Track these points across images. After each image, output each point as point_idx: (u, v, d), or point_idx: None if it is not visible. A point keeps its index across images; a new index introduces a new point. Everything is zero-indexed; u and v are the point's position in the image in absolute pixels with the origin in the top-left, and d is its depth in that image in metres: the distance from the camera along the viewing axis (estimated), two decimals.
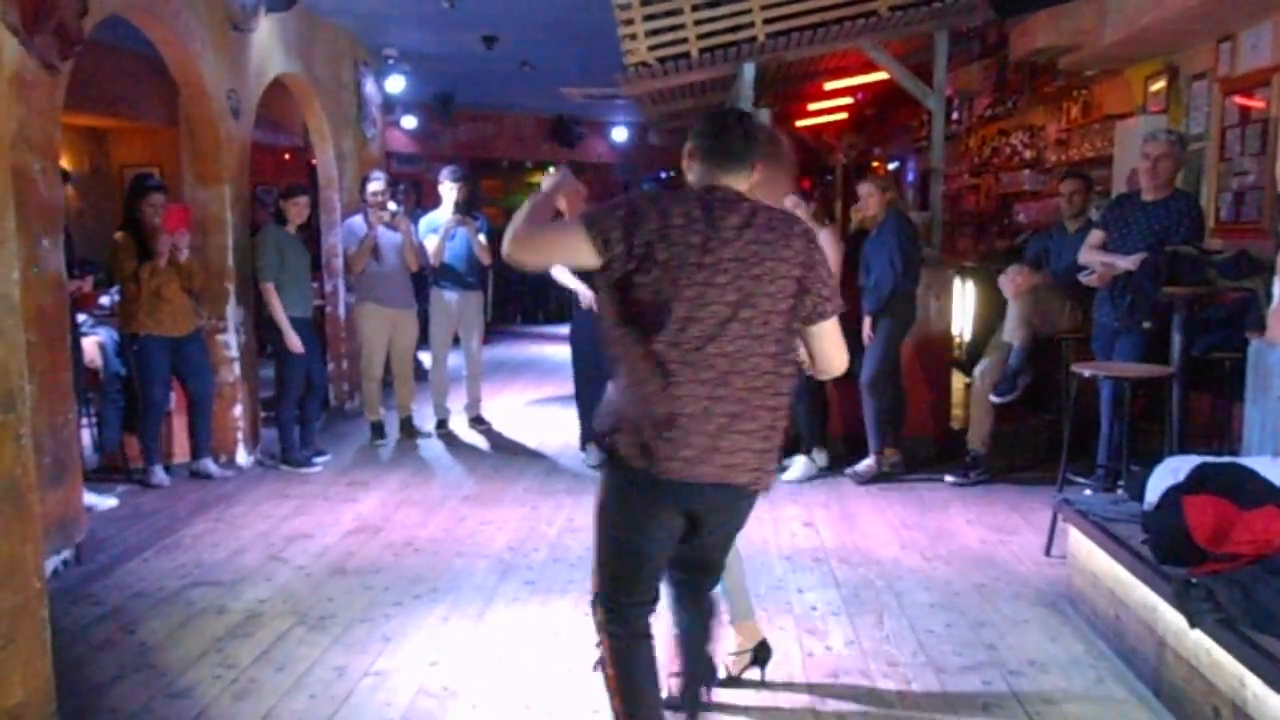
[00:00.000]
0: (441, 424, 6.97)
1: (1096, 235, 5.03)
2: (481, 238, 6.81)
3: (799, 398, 5.60)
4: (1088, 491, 4.65)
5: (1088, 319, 5.24)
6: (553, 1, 7.50)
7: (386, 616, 3.78)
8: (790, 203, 4.50)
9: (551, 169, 2.54)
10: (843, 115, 11.65)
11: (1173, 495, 3.12)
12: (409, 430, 6.84)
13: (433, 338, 6.95)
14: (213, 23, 5.79)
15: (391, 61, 9.41)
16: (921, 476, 5.70)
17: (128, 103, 9.07)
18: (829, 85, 9.33)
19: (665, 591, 2.57)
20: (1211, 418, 5.11)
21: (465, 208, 6.84)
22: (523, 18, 7.99)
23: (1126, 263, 4.74)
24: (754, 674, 3.23)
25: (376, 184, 6.59)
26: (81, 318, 5.71)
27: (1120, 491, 4.25)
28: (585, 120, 14.84)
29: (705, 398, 2.26)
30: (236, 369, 6.10)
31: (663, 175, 12.17)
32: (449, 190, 6.75)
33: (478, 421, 7.14)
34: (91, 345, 5.74)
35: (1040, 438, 5.99)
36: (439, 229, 6.70)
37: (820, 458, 5.82)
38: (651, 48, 6.64)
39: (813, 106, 10.72)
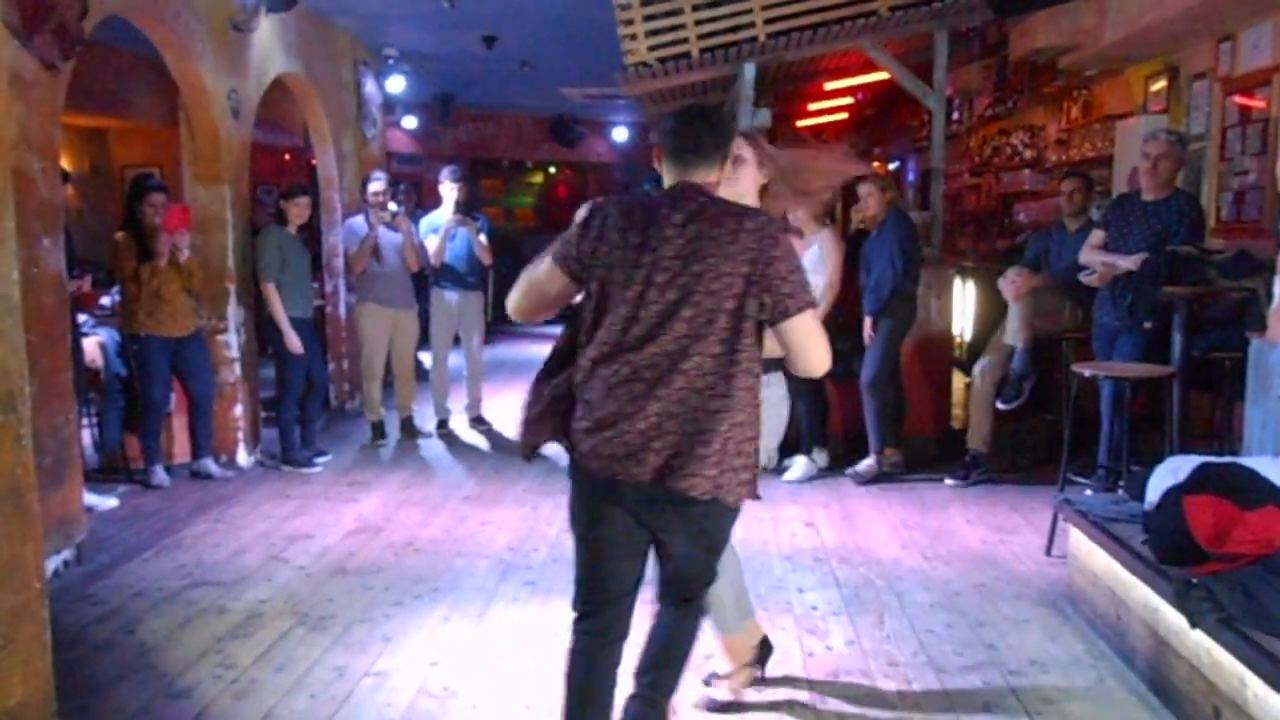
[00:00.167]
0: (442, 424, 6.97)
1: (1097, 235, 5.03)
2: (482, 238, 6.81)
3: (799, 397, 5.60)
4: (1088, 491, 4.64)
5: (1088, 319, 5.24)
6: (552, 1, 7.50)
7: (387, 616, 3.78)
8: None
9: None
10: (843, 115, 11.65)
11: (1173, 495, 3.12)
12: (410, 430, 6.84)
13: (433, 338, 6.95)
14: (213, 23, 5.79)
15: (392, 61, 9.41)
16: (922, 476, 5.70)
17: (128, 103, 9.08)
18: (829, 85, 9.34)
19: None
20: (1212, 418, 5.11)
21: (465, 208, 6.85)
22: (523, 18, 7.99)
23: (1127, 262, 4.73)
24: (754, 671, 3.23)
25: (377, 184, 6.59)
26: (82, 318, 5.71)
27: (1121, 491, 4.24)
28: (585, 120, 14.83)
29: (642, 396, 2.25)
30: (237, 369, 6.10)
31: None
32: (449, 190, 6.75)
33: (478, 421, 7.14)
34: (92, 345, 5.74)
35: (1041, 437, 5.99)
36: (439, 229, 6.70)
37: (820, 458, 5.82)
38: (652, 48, 6.64)
39: (813, 106, 10.72)
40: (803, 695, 3.16)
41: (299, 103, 7.71)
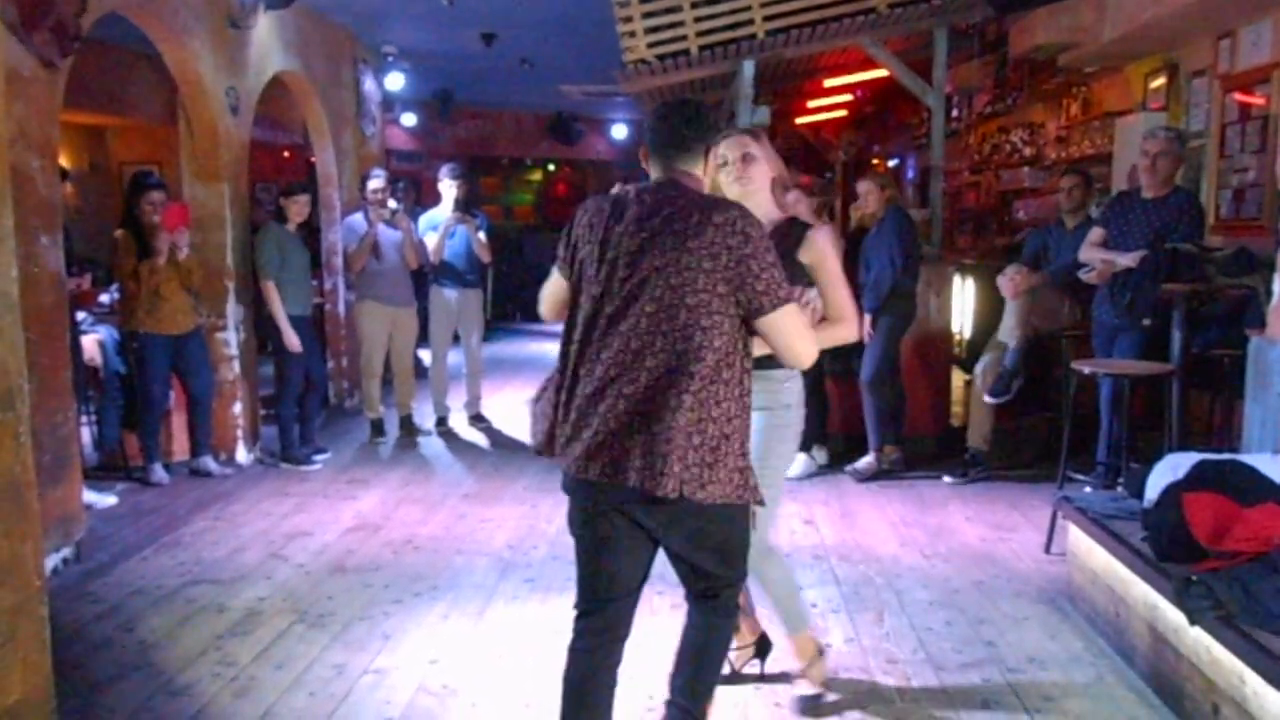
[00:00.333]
0: (441, 422, 6.97)
1: (1097, 233, 5.03)
2: (481, 235, 6.80)
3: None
4: (1087, 489, 4.65)
5: (1087, 316, 5.24)
6: None
7: (386, 614, 3.78)
8: (792, 198, 4.50)
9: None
10: (842, 112, 11.64)
11: (1173, 492, 3.12)
12: (409, 428, 6.84)
13: (432, 335, 6.94)
14: (211, 20, 5.79)
15: (391, 59, 9.40)
16: (921, 474, 5.70)
17: (126, 100, 9.07)
18: (828, 82, 9.33)
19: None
20: (1211, 415, 5.11)
21: (465, 205, 6.84)
22: (522, 15, 7.98)
23: (1127, 260, 4.73)
24: (754, 667, 3.23)
25: (377, 182, 6.59)
26: (81, 316, 5.71)
27: (1120, 489, 4.24)
28: (584, 117, 14.82)
29: (610, 395, 2.23)
30: (236, 367, 6.10)
31: None
32: (448, 188, 6.75)
33: (477, 419, 7.14)
34: (91, 343, 5.74)
35: (1040, 435, 5.99)
36: (439, 227, 6.70)
37: (820, 455, 5.82)
38: (651, 45, 6.64)
39: (812, 104, 10.71)
40: (802, 692, 3.15)
41: (298, 100, 7.70)
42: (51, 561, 4.08)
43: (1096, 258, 4.92)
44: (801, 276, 2.79)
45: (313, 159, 8.37)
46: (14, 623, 2.50)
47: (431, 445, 6.66)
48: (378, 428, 6.73)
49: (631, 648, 2.47)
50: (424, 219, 6.85)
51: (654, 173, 2.43)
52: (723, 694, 3.06)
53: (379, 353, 6.68)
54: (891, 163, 12.86)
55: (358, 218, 6.62)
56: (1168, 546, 3.06)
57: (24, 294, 2.67)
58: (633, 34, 6.62)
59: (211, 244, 5.95)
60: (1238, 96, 5.72)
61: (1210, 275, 4.48)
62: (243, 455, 6.14)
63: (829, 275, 2.80)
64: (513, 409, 7.80)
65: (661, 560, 2.44)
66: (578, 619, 2.43)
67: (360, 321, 6.72)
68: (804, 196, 5.45)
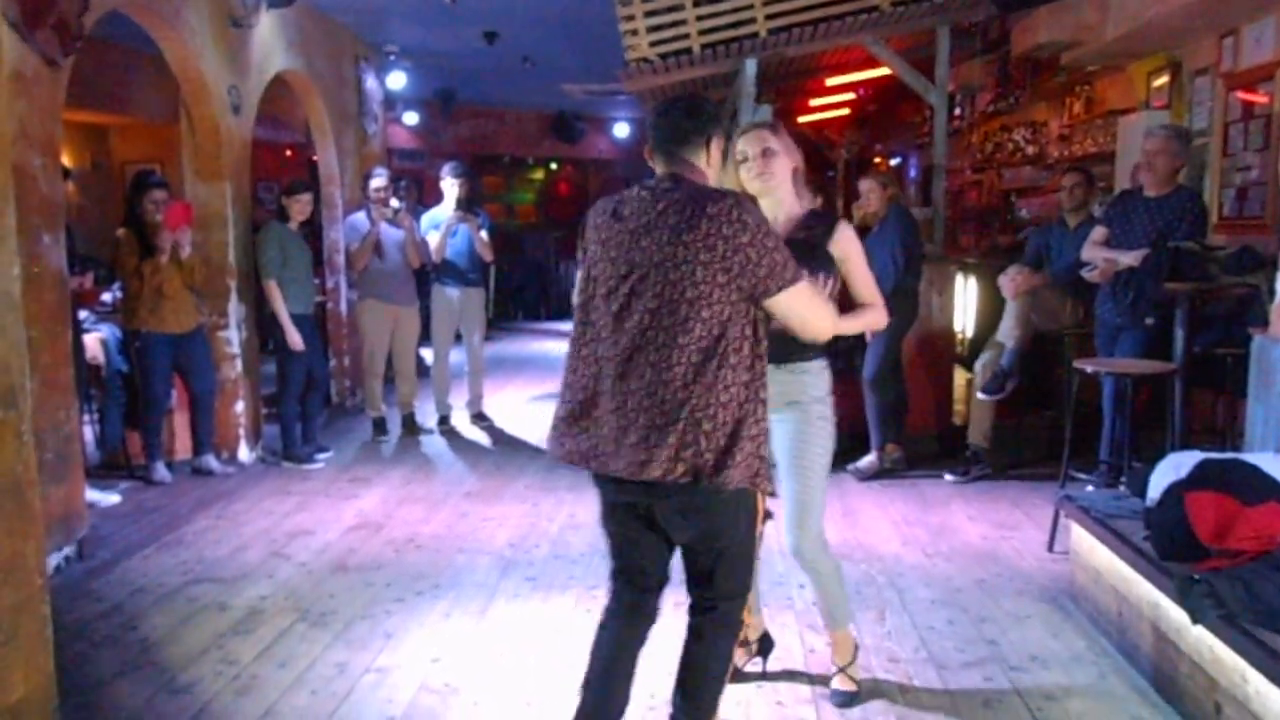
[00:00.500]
0: (443, 420, 6.98)
1: (1100, 231, 5.02)
2: (483, 234, 6.80)
3: None
4: (1090, 487, 4.65)
5: (1089, 315, 5.23)
6: None
7: (388, 613, 3.78)
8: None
9: None
10: (845, 111, 11.62)
11: (1175, 491, 3.12)
12: (411, 427, 6.84)
13: (435, 334, 6.95)
14: (213, 19, 5.79)
15: (392, 57, 9.41)
16: (923, 473, 5.70)
17: (129, 99, 9.08)
18: (831, 81, 9.31)
19: None
20: (1214, 414, 5.11)
21: (467, 204, 6.84)
22: (523, 13, 7.98)
23: (1129, 258, 4.73)
24: (756, 664, 3.23)
25: (379, 180, 6.59)
26: (83, 314, 5.71)
27: (1122, 488, 4.24)
28: (587, 116, 14.82)
29: (608, 391, 2.30)
30: (238, 365, 6.11)
31: None
32: (450, 186, 6.75)
33: (479, 418, 7.14)
34: (93, 342, 5.75)
35: (1042, 434, 5.97)
36: (441, 225, 6.70)
37: None
38: (653, 43, 6.64)
39: (815, 102, 10.70)
40: (804, 691, 3.16)
41: (300, 99, 7.71)
42: (54, 560, 4.08)
43: (1099, 256, 4.92)
44: (831, 267, 2.86)
45: (315, 158, 8.37)
46: (16, 621, 2.50)
47: (433, 444, 6.66)
48: (380, 426, 6.73)
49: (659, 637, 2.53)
50: (426, 218, 6.85)
51: (658, 169, 2.45)
52: (725, 692, 3.06)
53: (381, 351, 6.68)
54: (894, 161, 12.86)
55: (360, 216, 6.63)
56: (1170, 545, 3.06)
57: (26, 292, 2.68)
58: (635, 32, 6.62)
59: (214, 243, 5.95)
60: (1241, 95, 5.71)
61: (1213, 274, 4.48)
62: (245, 454, 6.14)
63: (857, 265, 2.90)
64: (515, 408, 7.81)
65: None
66: (608, 598, 2.52)
67: (362, 320, 6.72)
68: (807, 193, 5.46)
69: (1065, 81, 7.98)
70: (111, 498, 5.22)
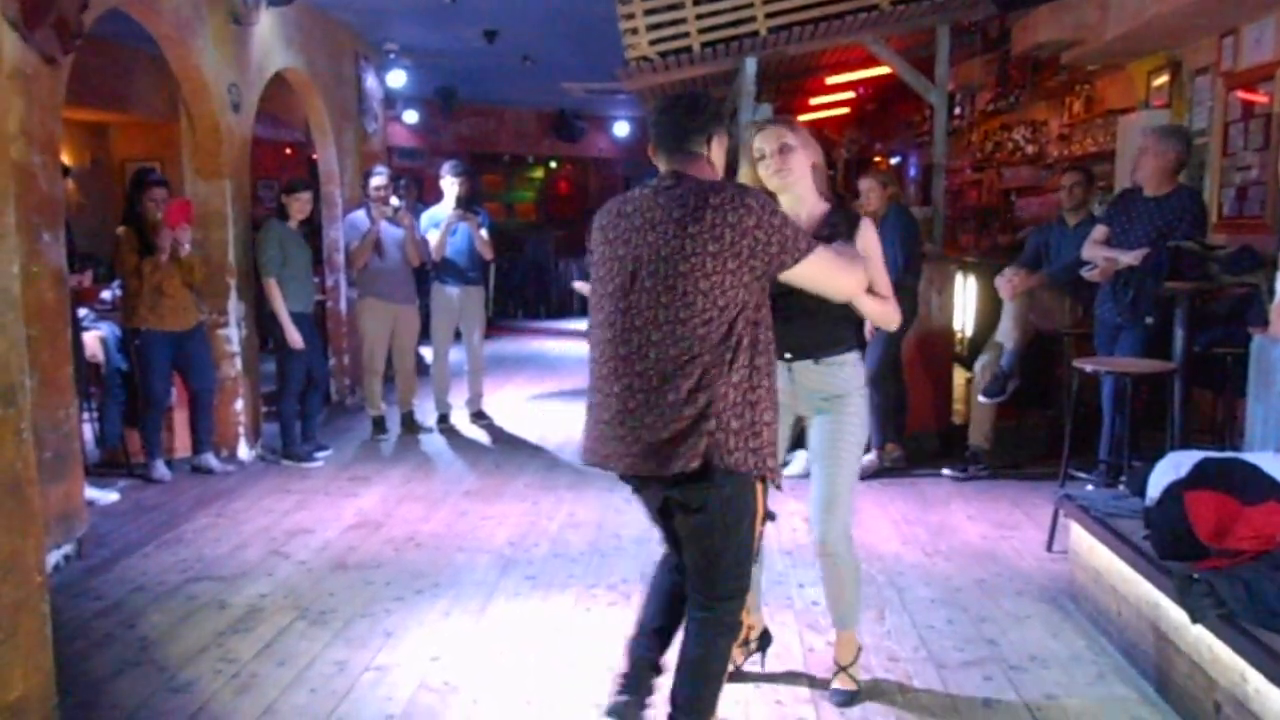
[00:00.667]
0: (443, 419, 6.97)
1: (1100, 230, 5.02)
2: (483, 233, 6.80)
3: None
4: (1089, 487, 4.64)
5: (1088, 314, 5.23)
6: None
7: (387, 611, 3.78)
8: None
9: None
10: (844, 110, 11.64)
11: (1175, 491, 3.12)
12: (410, 425, 6.84)
13: (434, 333, 6.94)
14: (213, 17, 5.79)
15: (392, 56, 9.41)
16: (923, 472, 5.70)
17: (128, 97, 9.07)
18: (831, 80, 9.32)
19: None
20: (1213, 413, 5.11)
21: (467, 203, 6.83)
22: (523, 12, 7.98)
23: (1129, 258, 4.72)
24: (755, 662, 3.23)
25: (379, 179, 6.59)
26: (83, 312, 5.71)
27: (1122, 487, 4.24)
28: (587, 115, 14.82)
29: (620, 389, 2.34)
30: (238, 364, 6.10)
31: None
32: (450, 185, 6.74)
33: (479, 416, 7.14)
34: (93, 340, 5.74)
35: (1042, 433, 5.98)
36: (440, 224, 6.69)
37: None
38: (653, 42, 6.64)
39: (814, 101, 10.71)
40: (803, 690, 3.16)
41: (300, 97, 7.70)
42: (53, 558, 4.08)
43: (1099, 255, 4.91)
44: None
45: (315, 156, 8.37)
46: (16, 619, 2.50)
47: (433, 442, 6.66)
48: (379, 425, 6.73)
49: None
50: (426, 216, 6.84)
51: (661, 167, 2.47)
52: (724, 692, 3.06)
53: (381, 350, 6.68)
54: (894, 160, 12.86)
55: (360, 215, 6.62)
56: (1170, 545, 3.06)
57: (26, 290, 2.68)
58: (635, 31, 6.62)
59: (213, 241, 5.95)
60: (1240, 94, 5.71)
61: (1213, 273, 4.48)
62: (244, 452, 6.14)
63: (875, 264, 2.92)
64: (514, 406, 7.80)
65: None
66: (665, 555, 2.68)
67: (362, 319, 6.72)
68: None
69: (1065, 81, 7.98)
70: (111, 496, 5.22)
